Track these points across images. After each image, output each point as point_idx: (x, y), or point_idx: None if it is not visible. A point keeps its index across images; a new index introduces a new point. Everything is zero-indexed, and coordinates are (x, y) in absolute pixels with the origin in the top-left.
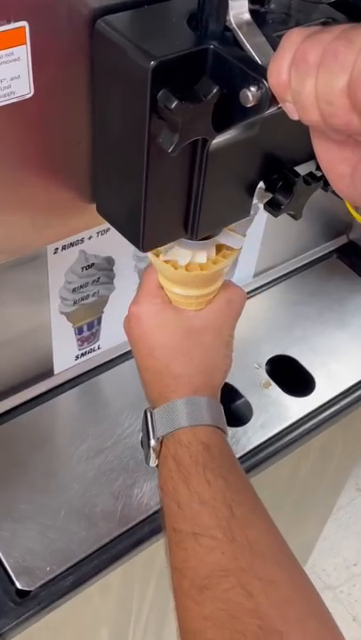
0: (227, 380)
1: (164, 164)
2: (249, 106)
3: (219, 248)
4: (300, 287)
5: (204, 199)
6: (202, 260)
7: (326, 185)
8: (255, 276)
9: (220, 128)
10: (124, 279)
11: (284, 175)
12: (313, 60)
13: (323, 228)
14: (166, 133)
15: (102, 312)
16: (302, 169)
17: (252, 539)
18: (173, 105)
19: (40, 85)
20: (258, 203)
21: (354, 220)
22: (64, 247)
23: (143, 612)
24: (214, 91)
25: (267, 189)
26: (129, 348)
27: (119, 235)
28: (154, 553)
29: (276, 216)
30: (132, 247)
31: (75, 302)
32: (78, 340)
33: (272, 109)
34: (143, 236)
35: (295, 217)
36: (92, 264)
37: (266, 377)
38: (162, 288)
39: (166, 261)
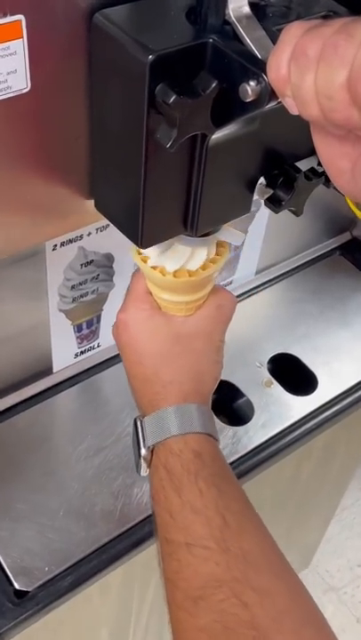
0: (228, 379)
1: (163, 160)
2: (248, 100)
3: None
4: (303, 285)
5: (203, 195)
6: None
7: (328, 181)
8: (257, 273)
9: (219, 123)
10: (123, 276)
11: (285, 171)
12: (313, 54)
13: (326, 224)
14: (164, 128)
15: (102, 309)
16: (304, 164)
17: (246, 548)
18: (171, 99)
19: (37, 80)
20: (259, 199)
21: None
22: (63, 244)
23: (144, 612)
24: (213, 85)
25: (267, 185)
26: None
27: (119, 231)
28: (154, 553)
29: (276, 212)
30: (131, 244)
31: (74, 299)
32: (77, 337)
33: (272, 104)
34: (142, 233)
35: (296, 213)
36: (92, 261)
37: (268, 375)
38: (150, 294)
39: (154, 267)
